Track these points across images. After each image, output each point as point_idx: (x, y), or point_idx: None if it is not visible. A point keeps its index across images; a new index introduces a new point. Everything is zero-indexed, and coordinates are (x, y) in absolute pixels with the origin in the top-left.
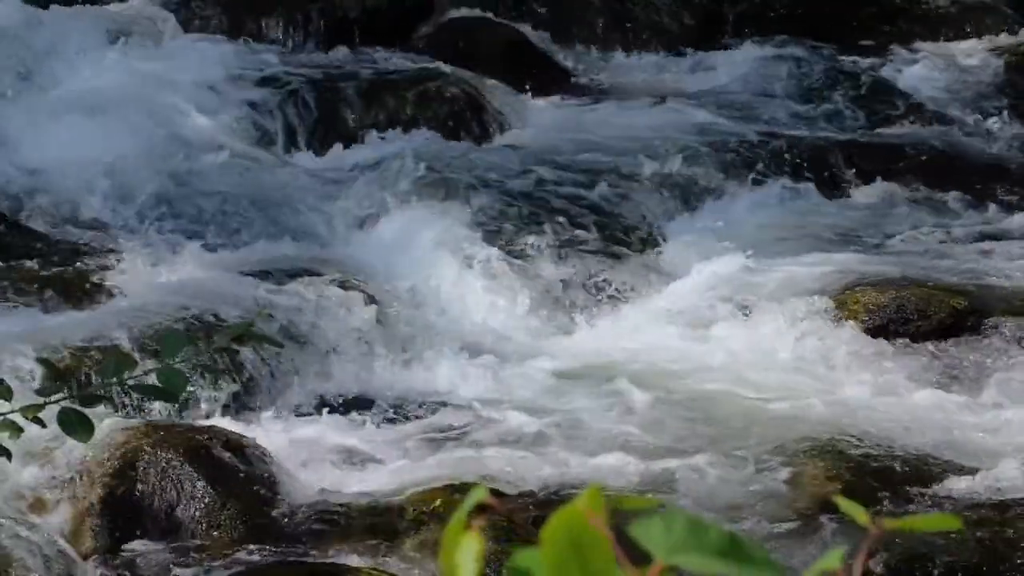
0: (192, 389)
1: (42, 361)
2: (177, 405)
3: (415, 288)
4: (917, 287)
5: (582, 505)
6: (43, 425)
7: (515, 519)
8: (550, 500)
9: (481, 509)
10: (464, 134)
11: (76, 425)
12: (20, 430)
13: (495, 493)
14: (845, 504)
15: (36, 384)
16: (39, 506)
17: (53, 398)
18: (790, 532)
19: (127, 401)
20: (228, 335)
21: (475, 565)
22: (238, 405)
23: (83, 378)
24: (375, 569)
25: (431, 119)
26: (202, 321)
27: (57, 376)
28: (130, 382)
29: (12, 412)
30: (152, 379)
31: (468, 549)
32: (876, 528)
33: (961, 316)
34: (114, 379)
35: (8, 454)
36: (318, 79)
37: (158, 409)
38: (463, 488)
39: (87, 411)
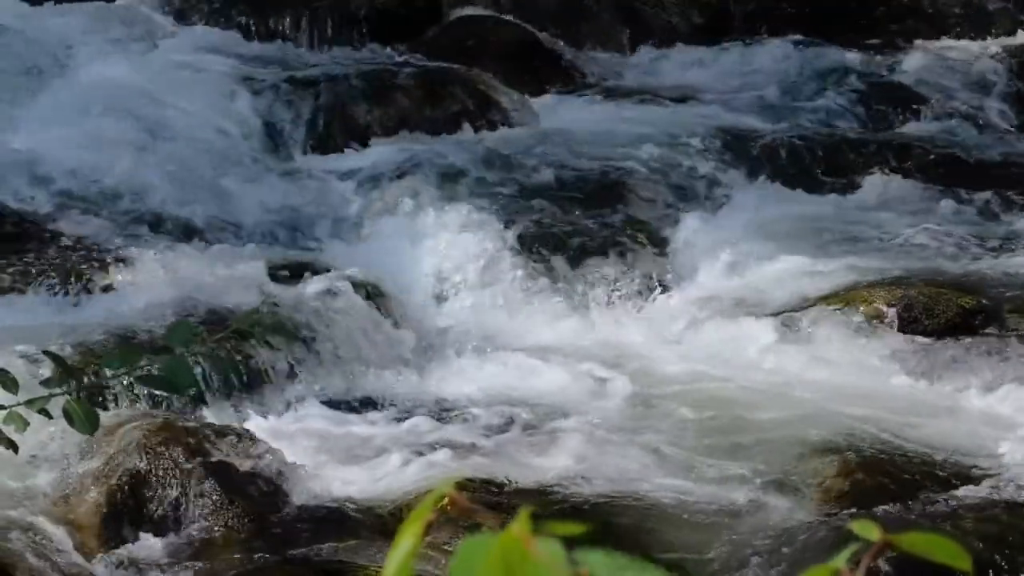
0: (199, 386)
1: (48, 354)
2: (185, 402)
3: (424, 286)
4: (925, 286)
5: (517, 531)
6: (49, 417)
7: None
8: (557, 498)
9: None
10: (473, 132)
11: (80, 417)
12: (26, 422)
13: (496, 491)
14: (859, 527)
15: (41, 377)
16: (45, 502)
17: (58, 390)
18: (800, 529)
19: (134, 398)
20: (235, 325)
21: (403, 562)
22: (245, 402)
23: (88, 372)
24: (382, 568)
25: (440, 117)
26: (209, 318)
27: (63, 369)
28: (136, 374)
29: (18, 404)
30: (157, 371)
31: (403, 546)
32: (882, 540)
33: (969, 315)
34: (119, 371)
35: (14, 447)
36: (327, 77)
37: (165, 405)
38: (472, 486)
39: (92, 405)
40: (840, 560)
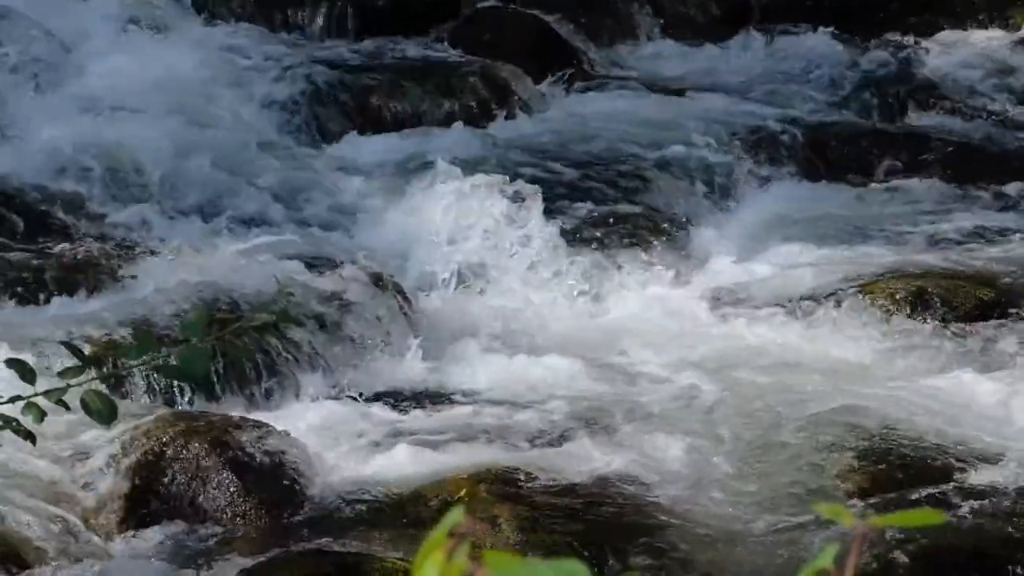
0: (216, 377)
1: (66, 344)
2: (202, 394)
3: (440, 277)
4: (943, 277)
5: (456, 558)
6: (67, 407)
7: (536, 510)
8: (573, 491)
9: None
10: (490, 124)
11: (98, 408)
12: (44, 413)
13: (513, 484)
14: (827, 509)
15: (60, 368)
16: (65, 494)
17: (76, 381)
18: (814, 522)
19: (154, 390)
20: (254, 319)
21: None
22: (264, 394)
23: (107, 363)
24: (400, 559)
25: (457, 109)
26: (227, 308)
27: (81, 359)
28: (153, 363)
29: (36, 395)
30: (174, 360)
31: (433, 569)
32: (862, 527)
33: (987, 307)
34: (137, 361)
35: (32, 438)
36: (344, 69)
37: (184, 398)
38: (488, 478)
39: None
40: (827, 558)
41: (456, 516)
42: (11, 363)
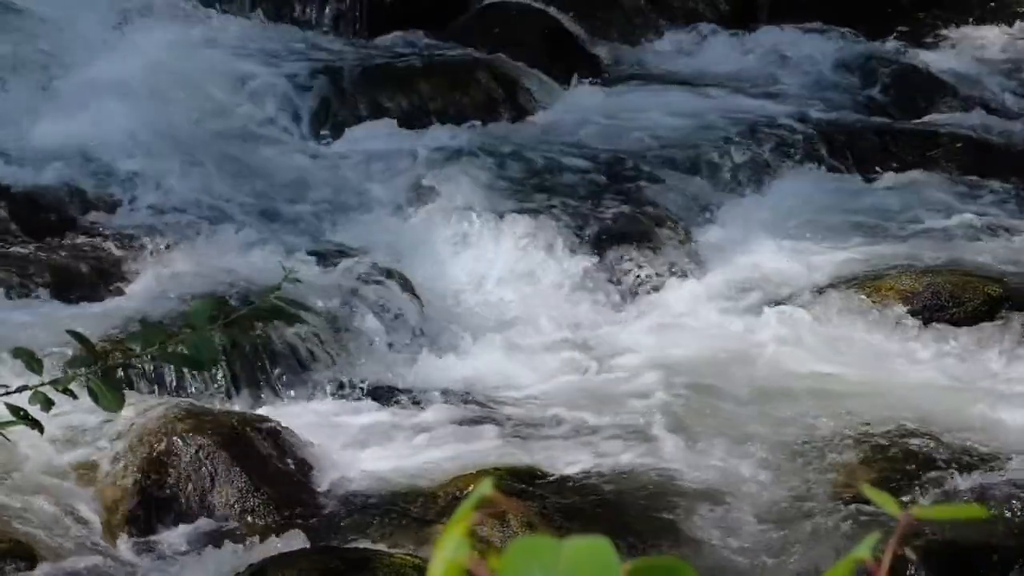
0: (225, 371)
1: (72, 333)
2: (211, 390)
3: (449, 273)
4: (952, 273)
5: (458, 556)
6: (74, 397)
7: (546, 506)
8: (583, 488)
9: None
10: (500, 120)
11: (106, 395)
12: (51, 402)
13: (522, 480)
14: (874, 494)
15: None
16: (71, 487)
17: (83, 370)
18: (821, 519)
19: (162, 385)
20: (259, 304)
21: (454, 563)
22: (272, 390)
23: (114, 353)
24: (407, 555)
25: (467, 105)
26: (232, 304)
27: (87, 348)
28: (160, 351)
29: (42, 384)
30: (181, 349)
31: (453, 546)
32: (906, 517)
33: (996, 303)
34: (144, 349)
35: (40, 427)
36: (354, 64)
37: (192, 393)
38: (495, 475)
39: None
40: (863, 549)
41: (485, 487)
42: (18, 352)
